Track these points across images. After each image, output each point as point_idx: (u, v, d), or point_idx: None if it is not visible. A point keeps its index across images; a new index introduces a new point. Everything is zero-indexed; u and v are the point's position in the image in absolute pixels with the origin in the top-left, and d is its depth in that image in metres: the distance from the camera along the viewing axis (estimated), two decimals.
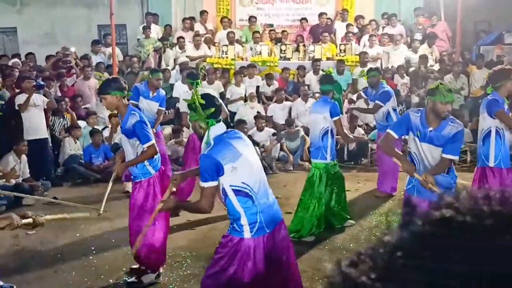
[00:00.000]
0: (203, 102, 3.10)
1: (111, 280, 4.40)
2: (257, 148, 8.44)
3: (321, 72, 9.01)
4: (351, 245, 5.16)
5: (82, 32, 12.49)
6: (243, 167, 2.99)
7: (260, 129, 8.81)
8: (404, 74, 10.53)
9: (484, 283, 0.55)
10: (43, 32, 12.60)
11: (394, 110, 6.93)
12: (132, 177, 4.34)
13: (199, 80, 6.48)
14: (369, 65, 10.48)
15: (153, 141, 4.13)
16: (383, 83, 7.06)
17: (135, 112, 4.13)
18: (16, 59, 9.98)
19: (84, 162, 8.18)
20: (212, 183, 2.98)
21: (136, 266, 4.45)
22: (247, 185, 2.99)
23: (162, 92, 7.07)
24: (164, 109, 7.17)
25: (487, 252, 0.57)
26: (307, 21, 12.16)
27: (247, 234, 3.01)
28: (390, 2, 12.60)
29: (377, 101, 6.85)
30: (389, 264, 0.59)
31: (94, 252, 5.01)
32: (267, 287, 3.13)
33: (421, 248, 0.59)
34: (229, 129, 3.18)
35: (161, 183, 4.28)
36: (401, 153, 4.23)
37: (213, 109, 3.10)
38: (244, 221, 3.00)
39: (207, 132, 3.08)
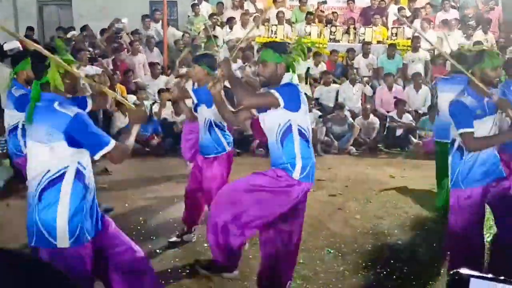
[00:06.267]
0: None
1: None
2: None
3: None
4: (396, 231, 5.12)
5: (134, 7, 12.64)
6: (306, 115, 3.30)
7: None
8: None
9: None
10: (98, 6, 12.85)
11: None
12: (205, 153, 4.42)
13: None
14: (421, 50, 10.25)
15: None
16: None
17: None
18: (73, 32, 10.20)
19: None
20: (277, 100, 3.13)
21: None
22: (307, 130, 3.25)
23: None
24: None
25: None
26: (354, 2, 11.96)
27: (296, 174, 3.21)
28: None
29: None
30: None
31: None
32: (280, 228, 3.34)
33: None
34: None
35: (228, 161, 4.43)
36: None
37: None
38: (298, 162, 3.20)
39: (286, 76, 3.29)
